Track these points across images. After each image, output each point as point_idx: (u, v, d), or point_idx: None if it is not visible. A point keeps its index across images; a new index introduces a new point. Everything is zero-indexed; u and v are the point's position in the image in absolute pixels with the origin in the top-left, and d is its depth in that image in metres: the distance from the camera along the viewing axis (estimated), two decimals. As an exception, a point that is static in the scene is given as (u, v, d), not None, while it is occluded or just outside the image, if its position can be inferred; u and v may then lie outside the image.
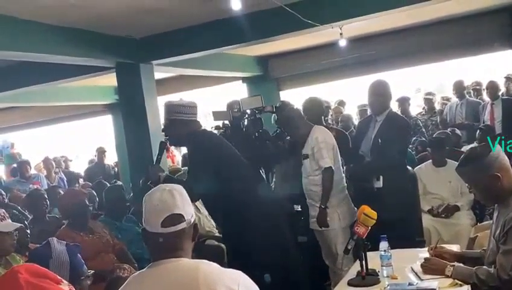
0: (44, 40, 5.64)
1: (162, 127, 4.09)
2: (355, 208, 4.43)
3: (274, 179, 5.42)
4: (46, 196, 5.47)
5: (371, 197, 4.09)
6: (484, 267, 2.75)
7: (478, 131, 6.47)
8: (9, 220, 3.40)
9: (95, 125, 13.46)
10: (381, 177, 4.35)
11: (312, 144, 4.53)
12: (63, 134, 14.87)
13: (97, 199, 5.32)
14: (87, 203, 4.50)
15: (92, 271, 2.40)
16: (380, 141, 4.42)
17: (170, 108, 3.99)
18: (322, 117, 5.33)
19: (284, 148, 5.32)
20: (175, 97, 10.78)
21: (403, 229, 3.98)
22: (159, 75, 7.73)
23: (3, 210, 3.46)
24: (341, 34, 6.88)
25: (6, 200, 6.24)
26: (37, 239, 3.98)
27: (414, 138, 7.51)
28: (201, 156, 3.88)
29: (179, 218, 1.95)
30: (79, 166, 11.85)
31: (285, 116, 4.78)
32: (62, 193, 5.86)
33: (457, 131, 7.02)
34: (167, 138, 4.10)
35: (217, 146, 3.99)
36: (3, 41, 5.17)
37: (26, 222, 4.94)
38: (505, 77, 8.20)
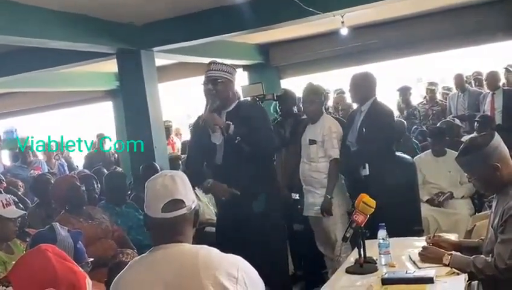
0: (45, 26, 5.62)
1: (208, 86, 4.03)
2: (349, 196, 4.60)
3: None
4: (52, 181, 5.49)
5: (361, 186, 4.17)
6: (482, 256, 2.77)
7: (476, 122, 6.49)
8: (14, 207, 3.43)
9: (96, 111, 13.47)
10: (367, 165, 4.41)
11: (324, 132, 4.59)
12: (64, 120, 14.88)
13: (98, 185, 5.33)
14: (79, 184, 4.51)
15: (92, 259, 2.41)
16: (364, 129, 4.48)
17: (222, 67, 4.03)
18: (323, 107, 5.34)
19: (284, 136, 5.34)
20: (175, 84, 10.82)
21: (398, 217, 4.01)
22: (160, 62, 7.72)
23: (8, 196, 3.49)
24: (342, 22, 6.87)
25: (4, 185, 6.25)
26: (43, 223, 4.00)
27: (414, 127, 7.52)
28: (267, 118, 4.21)
29: (180, 203, 1.97)
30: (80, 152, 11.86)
31: (312, 88, 4.78)
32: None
33: (457, 121, 7.03)
34: (215, 96, 4.03)
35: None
36: (4, 26, 5.15)
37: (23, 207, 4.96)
38: (504, 68, 8.19)
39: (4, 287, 1.24)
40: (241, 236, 3.86)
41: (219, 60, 4.16)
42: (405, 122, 6.84)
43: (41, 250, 1.33)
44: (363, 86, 4.62)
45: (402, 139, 6.20)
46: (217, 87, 4.01)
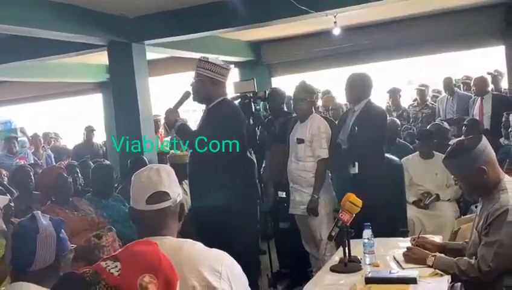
0: (36, 14, 5.58)
1: (192, 80, 4.04)
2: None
3: (264, 165, 5.44)
4: (31, 173, 5.44)
5: (349, 184, 4.20)
6: (465, 258, 2.78)
7: (463, 126, 6.54)
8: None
9: (85, 103, 13.40)
10: (356, 164, 4.43)
11: (313, 131, 4.60)
12: (52, 111, 14.79)
13: (81, 176, 5.29)
14: (66, 175, 4.48)
15: (74, 245, 2.40)
16: (356, 128, 4.51)
17: (204, 64, 3.98)
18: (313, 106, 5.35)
19: (275, 134, 5.34)
20: (166, 78, 10.79)
21: (384, 217, 4.03)
22: (151, 55, 7.70)
23: None
24: (335, 22, 6.88)
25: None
26: (23, 216, 3.96)
27: (404, 127, 7.55)
28: (226, 124, 3.91)
29: (164, 196, 1.97)
30: (68, 144, 11.80)
31: (305, 86, 4.79)
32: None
33: (446, 124, 7.06)
34: (192, 92, 4.05)
35: (243, 124, 4.11)
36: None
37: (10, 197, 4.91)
38: (488, 73, 8.23)
39: (112, 262, 1.30)
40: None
41: (212, 57, 4.14)
42: (398, 121, 6.85)
43: (151, 242, 1.42)
44: (360, 86, 4.64)
45: (397, 141, 6.23)
46: (193, 84, 4.03)
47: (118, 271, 1.29)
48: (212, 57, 4.11)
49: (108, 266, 1.30)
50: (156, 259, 1.33)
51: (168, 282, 1.34)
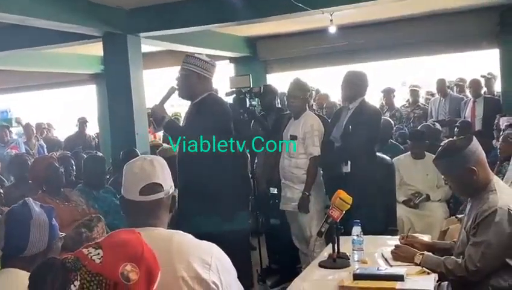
0: (31, 3, 5.55)
1: (177, 75, 4.04)
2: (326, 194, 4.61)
3: (256, 161, 5.45)
4: (29, 162, 5.44)
5: (340, 182, 4.16)
6: (452, 257, 2.81)
7: (455, 128, 6.58)
8: None
9: (79, 94, 13.36)
10: (349, 162, 4.44)
11: (306, 128, 4.61)
12: (46, 101, 14.74)
13: (74, 167, 5.29)
14: (58, 165, 4.48)
15: (64, 233, 2.41)
16: (350, 127, 4.52)
17: (190, 59, 3.97)
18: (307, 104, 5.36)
19: (269, 130, 5.35)
20: (161, 71, 10.76)
21: (374, 216, 4.05)
22: (146, 48, 7.68)
23: None
24: (331, 20, 6.89)
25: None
26: (16, 203, 3.96)
27: (396, 127, 7.58)
28: (213, 118, 3.87)
29: (157, 187, 1.97)
30: (61, 135, 11.78)
31: (299, 83, 4.79)
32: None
33: (438, 125, 7.11)
34: (178, 87, 4.04)
35: (230, 118, 4.06)
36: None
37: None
38: (481, 76, 8.30)
39: (94, 249, 1.31)
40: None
41: (203, 51, 4.15)
42: (392, 122, 6.88)
43: (134, 231, 1.41)
44: (356, 84, 4.65)
45: (389, 142, 6.26)
46: (179, 79, 4.02)
47: (99, 259, 1.29)
48: (198, 53, 4.12)
49: (90, 253, 1.30)
50: (139, 248, 1.34)
51: (150, 272, 1.34)
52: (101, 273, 1.27)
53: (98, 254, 1.30)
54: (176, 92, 4.06)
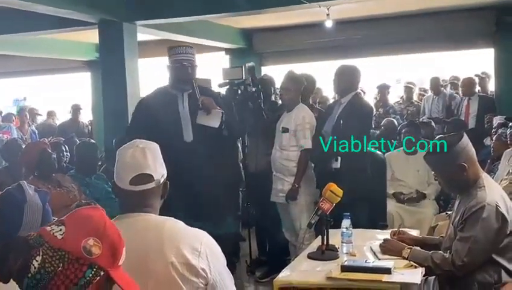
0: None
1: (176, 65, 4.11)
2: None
3: (246, 151, 5.44)
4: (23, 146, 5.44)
5: (330, 178, 4.18)
6: (440, 252, 2.83)
7: (446, 125, 6.63)
8: None
9: (73, 81, 13.30)
10: (339, 158, 4.45)
11: (297, 121, 4.62)
12: (40, 87, 14.66)
13: (67, 153, 5.29)
14: (50, 151, 4.48)
15: (55, 218, 2.41)
16: (341, 121, 4.53)
17: (193, 50, 4.14)
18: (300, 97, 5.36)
19: (264, 120, 5.34)
20: (156, 61, 10.72)
21: (364, 211, 4.08)
22: (142, 36, 7.66)
23: None
24: (328, 14, 6.90)
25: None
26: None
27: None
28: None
29: (148, 178, 1.98)
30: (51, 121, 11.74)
31: (292, 76, 4.80)
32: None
33: (432, 123, 7.15)
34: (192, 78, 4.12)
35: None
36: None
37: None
38: (476, 75, 8.34)
39: (57, 226, 1.34)
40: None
41: (199, 42, 4.23)
42: (396, 122, 6.88)
43: (98, 208, 1.44)
44: (348, 78, 4.66)
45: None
46: (185, 70, 4.08)
47: (61, 234, 1.32)
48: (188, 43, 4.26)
49: (52, 229, 1.33)
50: (101, 223, 1.37)
51: (114, 247, 1.37)
52: (63, 248, 1.30)
53: (61, 230, 1.33)
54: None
